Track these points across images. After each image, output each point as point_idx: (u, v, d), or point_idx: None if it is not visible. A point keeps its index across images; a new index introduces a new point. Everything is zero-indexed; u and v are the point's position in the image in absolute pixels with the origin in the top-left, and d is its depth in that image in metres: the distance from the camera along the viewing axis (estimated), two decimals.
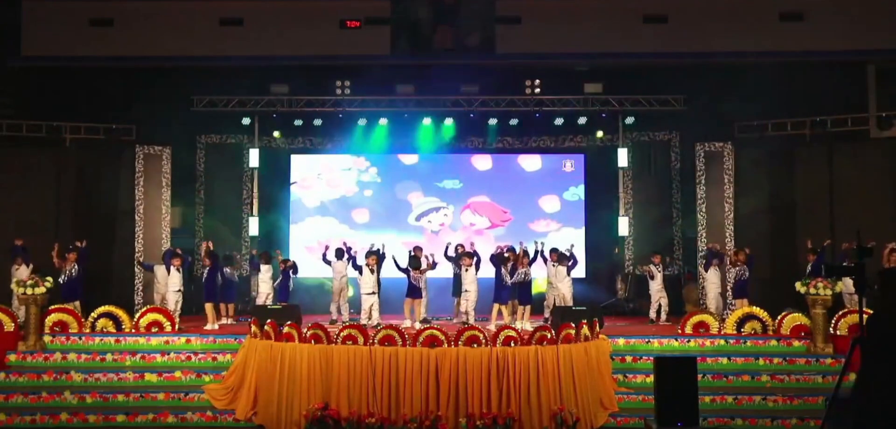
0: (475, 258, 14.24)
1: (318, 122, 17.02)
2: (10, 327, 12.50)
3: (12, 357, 12.22)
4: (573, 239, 16.48)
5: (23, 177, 16.38)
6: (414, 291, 14.11)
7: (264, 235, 17.26)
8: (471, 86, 16.75)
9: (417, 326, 13.17)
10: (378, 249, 14.53)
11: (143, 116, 16.55)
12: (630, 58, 16.24)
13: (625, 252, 17.51)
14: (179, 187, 16.88)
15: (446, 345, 10.95)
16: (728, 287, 15.00)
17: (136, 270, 15.95)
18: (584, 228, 17.91)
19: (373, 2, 16.11)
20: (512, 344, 10.95)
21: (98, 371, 11.94)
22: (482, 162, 18.30)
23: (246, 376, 11.35)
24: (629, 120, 16.98)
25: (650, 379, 10.39)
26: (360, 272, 14.22)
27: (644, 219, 17.69)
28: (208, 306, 14.26)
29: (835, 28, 15.68)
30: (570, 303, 14.25)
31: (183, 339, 12.74)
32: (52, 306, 12.92)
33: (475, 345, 10.94)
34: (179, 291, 14.28)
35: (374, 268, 14.17)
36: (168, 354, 12.31)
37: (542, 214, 18.01)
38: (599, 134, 17.58)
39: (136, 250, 15.84)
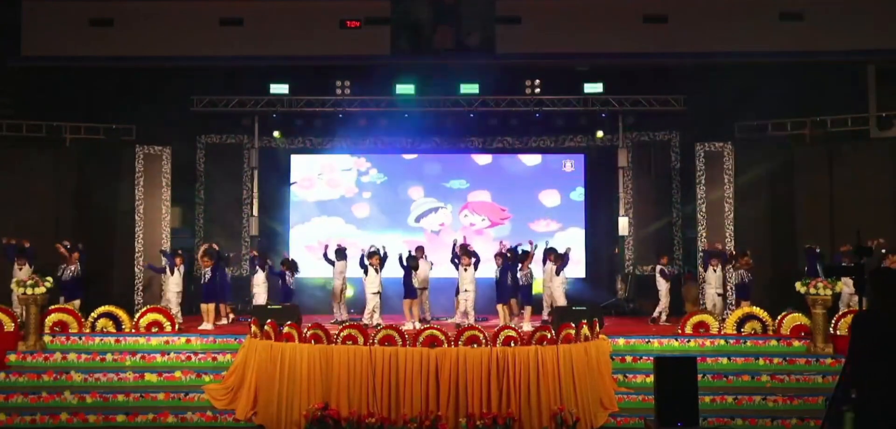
0: (474, 258, 14.26)
1: (318, 122, 17.04)
2: (10, 326, 12.51)
3: (12, 357, 12.24)
4: (573, 239, 16.47)
5: (23, 177, 16.37)
6: (411, 292, 14.22)
7: (264, 235, 17.26)
8: (471, 86, 16.73)
9: (417, 326, 13.18)
10: (378, 250, 14.54)
11: (143, 116, 16.53)
12: (630, 58, 16.26)
13: (625, 252, 17.50)
14: (179, 187, 16.83)
15: (446, 345, 10.96)
16: (729, 289, 14.98)
17: (137, 270, 15.92)
18: (584, 228, 17.91)
19: (373, 2, 16.13)
20: (512, 344, 10.95)
21: (98, 371, 11.96)
22: (482, 161, 18.31)
23: (246, 376, 11.36)
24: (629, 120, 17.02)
25: (650, 379, 10.39)
26: (366, 272, 14.28)
27: (644, 219, 17.69)
28: (209, 307, 14.27)
29: (835, 28, 15.69)
30: (561, 302, 14.22)
31: (183, 339, 12.77)
32: (53, 306, 12.93)
33: (475, 345, 10.95)
34: (179, 292, 14.34)
35: (378, 268, 14.24)
36: (168, 354, 12.34)
37: (541, 213, 18.01)
38: (599, 134, 17.56)
39: (136, 250, 15.83)
